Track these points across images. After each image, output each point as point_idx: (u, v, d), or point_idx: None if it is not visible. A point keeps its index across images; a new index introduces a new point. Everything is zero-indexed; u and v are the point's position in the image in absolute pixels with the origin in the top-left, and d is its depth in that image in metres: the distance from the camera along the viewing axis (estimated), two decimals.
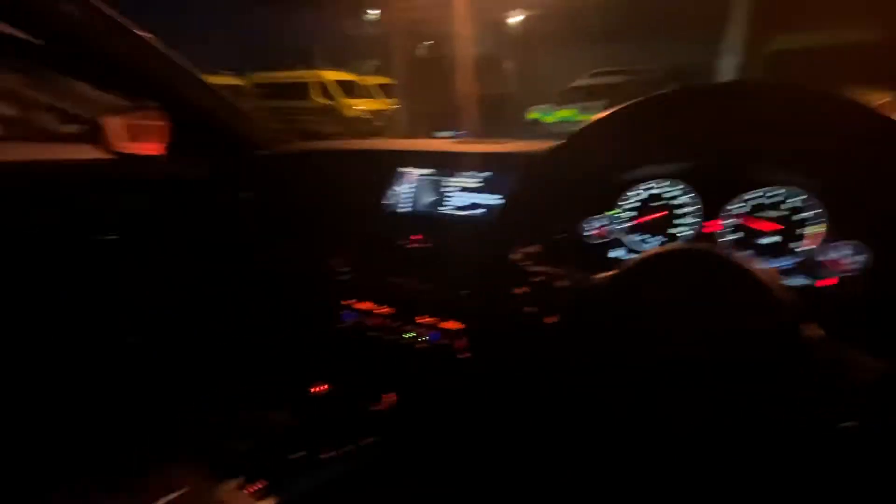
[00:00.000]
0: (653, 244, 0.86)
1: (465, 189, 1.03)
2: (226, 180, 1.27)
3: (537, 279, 0.67)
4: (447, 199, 1.04)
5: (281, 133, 1.35)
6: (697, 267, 0.56)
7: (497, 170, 1.01)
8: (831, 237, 0.73)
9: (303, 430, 0.86)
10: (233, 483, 0.80)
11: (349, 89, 11.75)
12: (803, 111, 0.68)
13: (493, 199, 1.00)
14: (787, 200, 0.77)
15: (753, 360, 0.52)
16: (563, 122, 9.80)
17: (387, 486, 0.85)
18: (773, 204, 0.78)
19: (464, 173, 1.04)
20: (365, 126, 10.68)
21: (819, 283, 0.73)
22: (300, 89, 11.58)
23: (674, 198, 0.85)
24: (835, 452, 0.58)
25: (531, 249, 0.72)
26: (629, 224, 0.88)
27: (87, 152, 1.13)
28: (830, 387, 0.49)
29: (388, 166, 1.12)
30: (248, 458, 0.81)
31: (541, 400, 0.81)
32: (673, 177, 0.85)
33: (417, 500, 0.86)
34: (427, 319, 0.95)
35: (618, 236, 0.88)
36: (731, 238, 0.80)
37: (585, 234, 0.89)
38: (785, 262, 0.76)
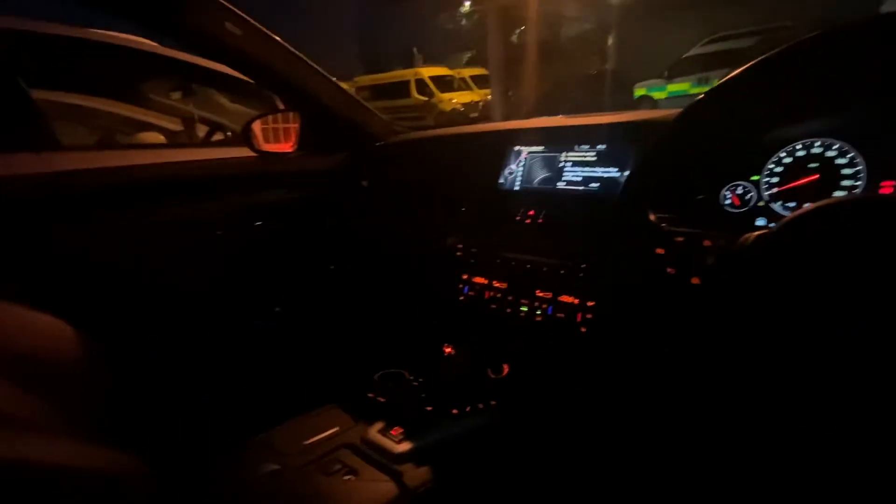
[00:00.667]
0: None
1: (577, 164, 1.02)
2: (350, 171, 1.41)
3: (680, 238, 0.64)
4: (561, 174, 1.04)
5: (397, 125, 1.46)
6: (881, 218, 0.47)
7: (611, 142, 0.98)
8: None
9: (435, 388, 0.94)
10: (376, 426, 0.90)
11: (445, 83, 12.05)
12: None
13: (609, 173, 0.97)
14: None
15: None
16: (675, 97, 8.94)
17: (506, 446, 0.90)
18: None
19: (577, 148, 1.03)
20: (461, 118, 10.87)
21: None
22: (400, 88, 12.17)
23: (829, 159, 0.75)
24: None
25: (668, 214, 0.69)
26: (773, 191, 0.80)
27: (235, 153, 1.33)
28: None
29: (499, 146, 1.15)
30: (389, 408, 0.92)
31: (672, 375, 0.78)
32: (826, 135, 0.75)
33: (531, 463, 0.89)
34: (543, 293, 0.96)
35: (760, 203, 0.81)
36: None
37: (724, 202, 0.83)
38: None
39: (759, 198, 0.81)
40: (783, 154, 0.79)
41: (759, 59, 0.70)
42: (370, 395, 0.93)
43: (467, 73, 12.74)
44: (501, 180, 1.12)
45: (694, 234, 0.64)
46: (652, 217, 0.70)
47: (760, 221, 0.80)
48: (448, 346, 1.02)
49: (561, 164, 1.05)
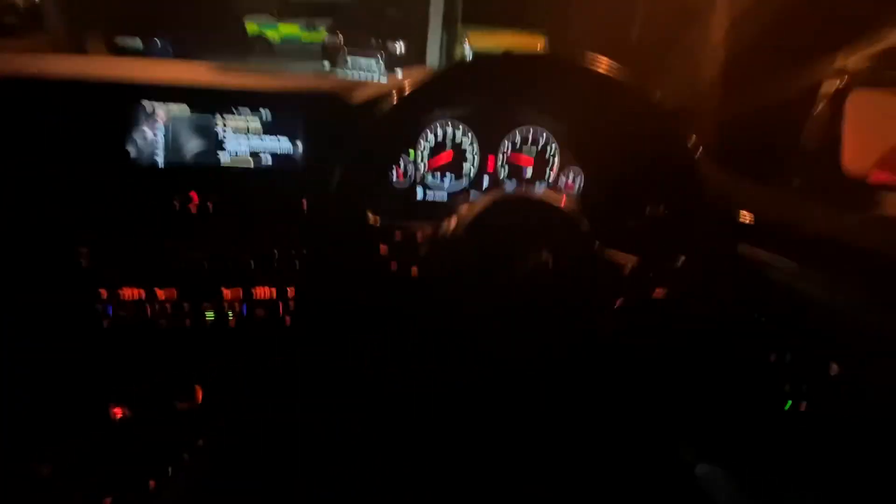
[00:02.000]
0: (448, 183, 0.96)
1: (239, 131, 0.87)
2: None
3: (398, 232, 0.67)
4: (222, 145, 0.86)
5: None
6: (520, 210, 0.67)
7: (277, 108, 0.88)
8: (565, 165, 0.98)
9: (113, 464, 0.64)
10: None
11: None
12: (544, 73, 0.85)
13: (280, 144, 0.88)
14: (540, 138, 0.97)
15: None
16: (288, 41, 8.88)
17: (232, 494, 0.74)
18: (531, 141, 0.97)
19: (235, 110, 0.87)
20: None
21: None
22: None
23: (459, 139, 0.96)
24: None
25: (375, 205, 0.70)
26: (425, 165, 0.95)
27: None
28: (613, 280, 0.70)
29: (123, 103, 0.81)
30: None
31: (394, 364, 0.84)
32: (459, 119, 0.95)
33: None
34: (231, 291, 0.82)
35: (418, 177, 0.95)
36: (504, 173, 0.98)
37: (391, 178, 0.92)
38: (541, 186, 0.99)
39: (417, 170, 0.95)
40: (430, 133, 0.94)
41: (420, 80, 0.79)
42: None
43: None
44: (134, 153, 0.82)
45: (409, 227, 0.69)
46: (369, 210, 0.70)
47: (420, 192, 0.95)
48: (115, 403, 0.72)
49: (217, 132, 0.86)
